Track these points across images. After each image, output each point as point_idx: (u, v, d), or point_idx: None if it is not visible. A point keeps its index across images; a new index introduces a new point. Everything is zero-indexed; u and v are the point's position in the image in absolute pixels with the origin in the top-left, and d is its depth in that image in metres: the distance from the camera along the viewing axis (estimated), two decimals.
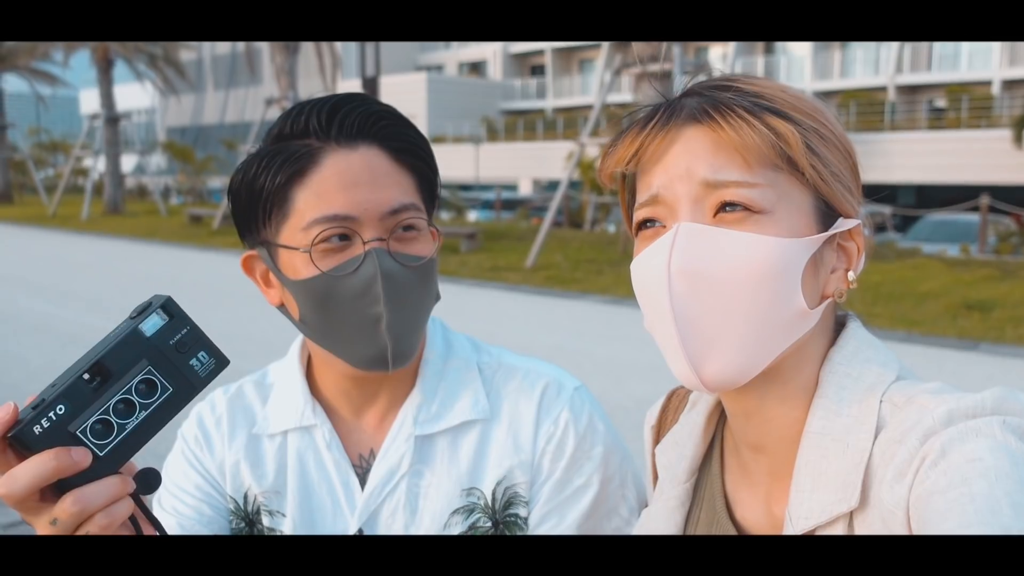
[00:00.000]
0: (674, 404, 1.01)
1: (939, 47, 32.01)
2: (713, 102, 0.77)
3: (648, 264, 0.77)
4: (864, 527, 0.73)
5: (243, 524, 1.12)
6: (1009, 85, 30.07)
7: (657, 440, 1.00)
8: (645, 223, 0.80)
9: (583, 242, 16.69)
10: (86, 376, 0.68)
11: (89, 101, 54.58)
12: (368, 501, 1.06)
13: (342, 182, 0.97)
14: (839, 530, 0.74)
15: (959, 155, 25.62)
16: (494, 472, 1.07)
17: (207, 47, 51.82)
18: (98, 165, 30.01)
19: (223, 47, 51.35)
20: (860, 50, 33.55)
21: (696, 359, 0.75)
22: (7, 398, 0.69)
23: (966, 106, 28.23)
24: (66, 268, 14.79)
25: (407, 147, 1.02)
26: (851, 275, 0.79)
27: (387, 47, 35.12)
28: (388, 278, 0.97)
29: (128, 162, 41.86)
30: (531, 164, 35.62)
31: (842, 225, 0.79)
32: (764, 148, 0.74)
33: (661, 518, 0.92)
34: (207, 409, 1.17)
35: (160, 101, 53.54)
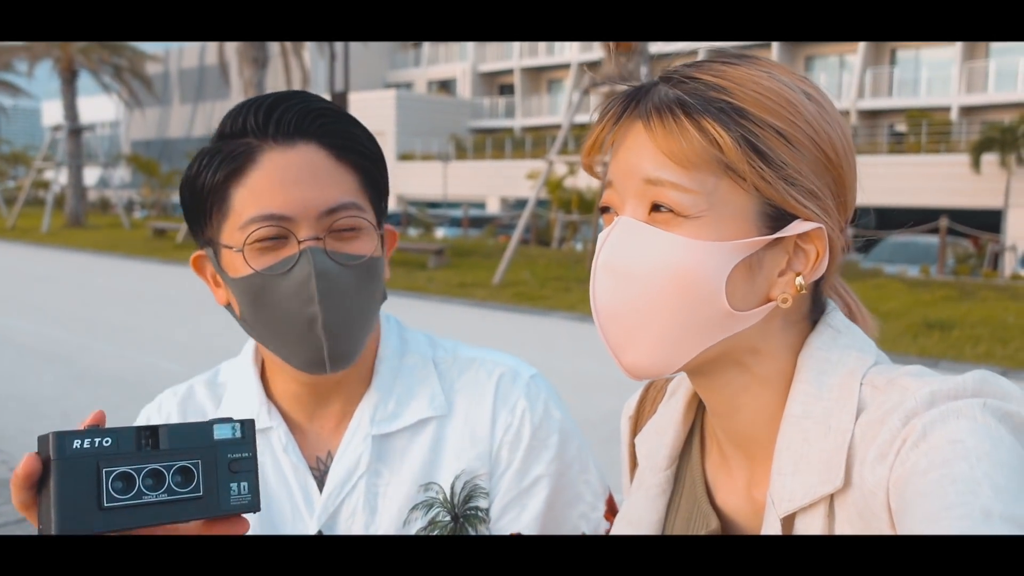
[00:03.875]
0: (652, 394, 1.01)
1: (899, 73, 32.72)
2: (659, 102, 0.77)
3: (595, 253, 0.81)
4: (845, 508, 0.73)
5: None
6: (967, 111, 30.78)
7: (635, 430, 1.01)
8: (604, 209, 0.83)
9: (550, 260, 16.74)
10: (138, 433, 0.68)
11: (52, 112, 53.85)
12: (327, 502, 1.04)
13: (279, 180, 0.96)
14: (820, 511, 0.74)
15: (919, 179, 26.14)
16: (452, 465, 1.07)
17: (174, 60, 51.45)
18: (60, 177, 29.58)
19: (190, 60, 51.03)
20: (823, 74, 34.16)
21: (616, 349, 0.79)
22: None
23: (926, 131, 28.84)
24: (25, 280, 14.52)
25: (348, 144, 1.00)
26: (799, 280, 0.77)
27: (356, 63, 35.09)
28: (323, 277, 0.95)
29: (91, 175, 41.34)
30: (499, 182, 35.74)
31: (792, 229, 0.76)
32: (695, 154, 0.74)
33: (642, 506, 0.91)
34: (154, 412, 1.13)
35: (125, 113, 52.99)
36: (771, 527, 0.77)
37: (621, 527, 0.94)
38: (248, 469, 0.71)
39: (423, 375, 1.10)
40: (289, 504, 1.05)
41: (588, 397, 6.53)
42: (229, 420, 0.72)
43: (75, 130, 28.15)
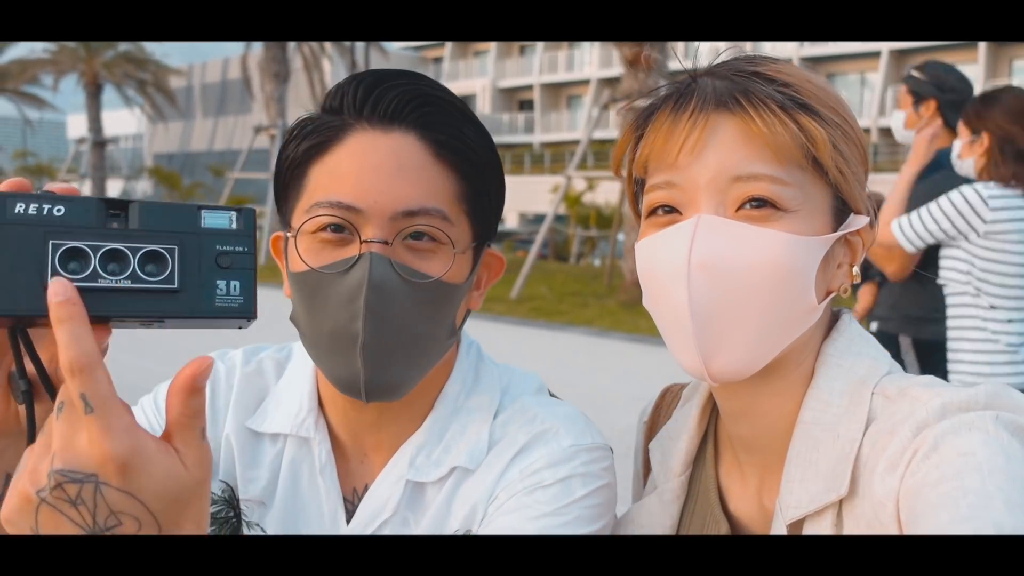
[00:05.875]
0: (667, 400, 1.01)
1: None
2: (744, 91, 0.76)
3: (663, 251, 0.77)
4: (853, 517, 0.73)
5: (231, 513, 0.98)
6: None
7: (650, 436, 1.00)
8: (659, 207, 0.79)
9: (568, 275, 16.72)
10: (102, 205, 0.56)
11: (77, 126, 54.50)
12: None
13: (359, 165, 0.83)
14: (828, 519, 0.74)
15: None
16: (456, 521, 0.92)
17: (197, 75, 51.99)
18: (83, 189, 29.91)
19: (213, 75, 51.53)
20: (843, 92, 33.92)
21: (707, 352, 0.75)
22: None
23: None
24: None
25: (452, 142, 0.86)
26: (855, 270, 0.80)
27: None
28: (378, 290, 0.81)
29: (114, 187, 41.75)
30: (518, 197, 35.76)
31: (854, 223, 0.79)
32: (794, 147, 0.74)
33: (656, 511, 0.91)
34: (223, 372, 1.02)
35: (148, 127, 53.56)
36: (778, 534, 0.78)
37: (630, 530, 0.93)
38: (243, 267, 0.59)
39: (479, 422, 0.94)
40: (318, 529, 0.95)
41: (603, 413, 6.51)
42: (225, 208, 0.60)
43: (99, 143, 28.51)
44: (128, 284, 0.56)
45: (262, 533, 0.97)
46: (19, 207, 0.54)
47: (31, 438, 0.58)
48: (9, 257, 0.53)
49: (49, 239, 0.54)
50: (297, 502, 0.97)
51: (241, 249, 0.59)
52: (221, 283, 0.58)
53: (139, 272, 0.56)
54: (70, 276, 0.54)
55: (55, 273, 0.54)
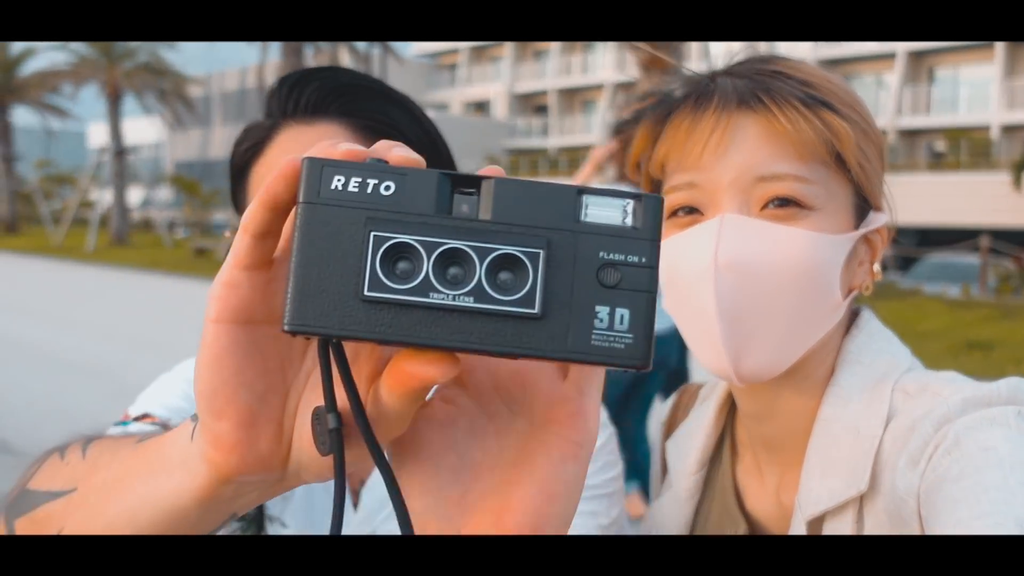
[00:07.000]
0: (685, 400, 1.01)
1: (938, 91, 32.25)
2: (766, 89, 0.75)
3: (688, 251, 0.76)
4: (874, 513, 0.73)
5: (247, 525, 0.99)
6: (1008, 130, 30.17)
7: (667, 436, 1.01)
8: (680, 209, 0.79)
9: None
10: (452, 183, 0.40)
11: (97, 135, 54.99)
12: (360, 528, 0.96)
13: None
14: (849, 516, 0.74)
15: (959, 198, 25.67)
16: None
17: (216, 83, 52.36)
18: (105, 198, 30.18)
19: (232, 83, 51.87)
20: (859, 92, 33.77)
21: (735, 353, 0.75)
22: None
23: (965, 150, 28.35)
24: (69, 296, 14.80)
25: (378, 125, 0.87)
26: (876, 267, 0.80)
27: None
28: None
29: (135, 195, 42.08)
30: None
31: (875, 220, 0.79)
32: (818, 143, 0.74)
33: (671, 509, 0.91)
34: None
35: (168, 135, 53.92)
36: (798, 531, 0.77)
37: (647, 529, 0.93)
38: (637, 287, 0.38)
39: None
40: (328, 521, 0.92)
41: None
42: (617, 193, 0.39)
43: (119, 151, 28.74)
44: (469, 303, 0.38)
45: (282, 527, 1.00)
46: (337, 181, 0.39)
47: (340, 501, 0.45)
48: (320, 251, 0.39)
49: (371, 229, 0.38)
50: (312, 494, 0.99)
51: (636, 260, 0.38)
52: (602, 310, 0.38)
53: (485, 286, 0.38)
54: (395, 286, 0.38)
55: (375, 279, 0.38)
